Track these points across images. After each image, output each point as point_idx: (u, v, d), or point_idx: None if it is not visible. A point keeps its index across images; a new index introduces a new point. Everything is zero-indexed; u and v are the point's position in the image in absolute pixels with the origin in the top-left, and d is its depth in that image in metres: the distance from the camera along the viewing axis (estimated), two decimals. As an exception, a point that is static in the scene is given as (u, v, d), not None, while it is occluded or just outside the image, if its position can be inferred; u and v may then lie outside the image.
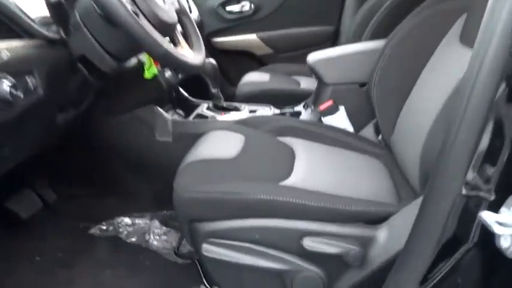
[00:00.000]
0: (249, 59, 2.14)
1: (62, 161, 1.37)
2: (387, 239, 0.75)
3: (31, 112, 0.89)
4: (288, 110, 1.48)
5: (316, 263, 0.79)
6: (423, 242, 0.59)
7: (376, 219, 0.79)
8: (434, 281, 0.60)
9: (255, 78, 1.79)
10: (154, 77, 1.36)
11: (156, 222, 1.41)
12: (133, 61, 1.20)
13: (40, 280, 1.19)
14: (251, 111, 1.49)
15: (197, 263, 0.97)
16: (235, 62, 2.12)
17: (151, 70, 1.33)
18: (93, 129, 1.35)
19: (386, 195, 0.90)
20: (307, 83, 1.71)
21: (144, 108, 1.37)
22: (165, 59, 0.94)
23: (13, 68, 0.81)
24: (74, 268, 1.25)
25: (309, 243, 0.76)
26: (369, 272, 0.76)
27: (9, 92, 0.77)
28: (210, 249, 0.81)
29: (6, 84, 0.77)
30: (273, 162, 0.99)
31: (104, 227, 1.42)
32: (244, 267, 0.80)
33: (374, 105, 1.16)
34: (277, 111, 1.48)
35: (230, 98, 1.64)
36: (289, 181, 0.89)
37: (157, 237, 1.36)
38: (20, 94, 0.80)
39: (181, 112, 1.60)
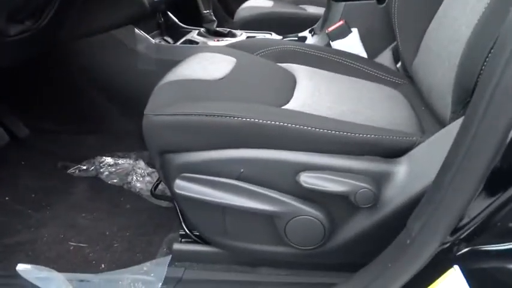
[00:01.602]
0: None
1: (31, 91, 1.21)
2: (407, 175, 0.58)
3: None
4: (291, 37, 1.27)
5: (316, 205, 0.62)
6: (464, 172, 0.42)
7: (394, 152, 0.62)
8: (473, 227, 0.44)
9: (256, 3, 1.57)
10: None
11: (141, 163, 1.26)
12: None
13: (8, 222, 1.07)
14: (249, 38, 1.28)
15: (175, 204, 0.82)
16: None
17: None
18: (61, 51, 1.16)
19: (407, 126, 0.72)
20: (314, 9, 1.48)
21: (122, 29, 1.18)
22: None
23: None
24: (47, 210, 1.12)
25: (306, 179, 0.60)
26: (381, 217, 0.60)
27: None
28: (183, 186, 0.65)
29: None
30: (269, 86, 0.81)
31: (84, 167, 1.28)
32: (226, 208, 0.65)
33: (394, 25, 0.96)
34: (279, 37, 1.28)
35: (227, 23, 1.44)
36: (288, 106, 0.72)
37: (140, 179, 1.22)
38: None
39: (169, 40, 1.40)
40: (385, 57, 1.03)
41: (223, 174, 0.64)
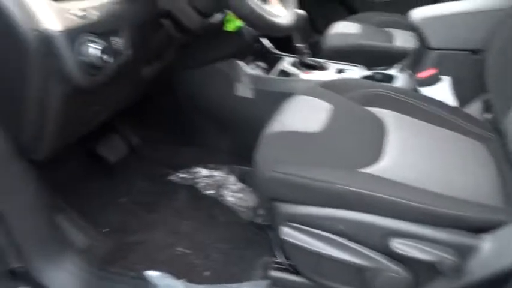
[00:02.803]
0: (337, 6, 1.95)
1: (146, 109, 1.40)
2: (493, 252, 0.66)
3: (120, 72, 0.88)
4: (379, 71, 1.34)
5: (403, 265, 0.73)
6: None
7: (478, 228, 0.70)
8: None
9: (343, 29, 1.63)
10: (238, 29, 1.29)
11: (232, 178, 1.42)
12: (218, 15, 1.13)
13: (128, 222, 1.27)
14: (338, 71, 1.37)
15: (272, 235, 0.96)
16: (323, 8, 1.95)
17: (235, 23, 1.26)
18: (175, 80, 1.34)
19: (491, 193, 0.79)
20: (402, 39, 1.52)
21: (225, 62, 1.33)
22: (250, 20, 0.87)
23: (101, 29, 0.79)
24: (155, 213, 1.31)
25: (398, 245, 0.70)
26: (463, 284, 0.69)
27: (100, 57, 0.76)
28: (289, 233, 0.79)
29: (95, 49, 0.75)
30: (361, 140, 0.91)
31: (183, 175, 1.47)
32: (324, 256, 0.77)
33: (488, 77, 0.99)
34: (367, 72, 1.35)
35: (314, 47, 1.52)
36: (379, 167, 0.82)
37: (233, 194, 1.37)
38: (110, 58, 0.79)
39: (262, 64, 1.52)
40: (474, 108, 1.07)
41: (324, 228, 0.76)
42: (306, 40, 1.37)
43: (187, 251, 1.18)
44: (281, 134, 0.91)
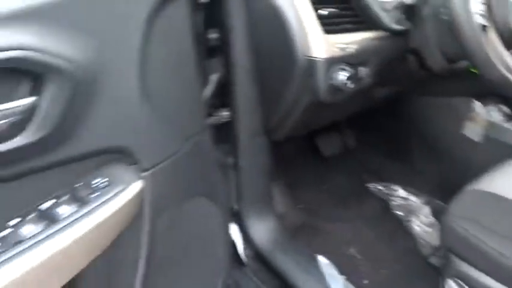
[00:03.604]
0: None
1: (368, 117, 1.54)
2: None
3: (356, 92, 1.04)
4: None
5: None
6: None
7: None
8: None
9: None
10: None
11: (427, 209, 1.44)
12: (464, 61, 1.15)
13: (318, 205, 1.48)
14: None
15: (440, 281, 0.99)
16: None
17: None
18: (403, 99, 1.42)
19: None
20: None
21: (461, 98, 1.32)
22: (496, 85, 0.88)
23: (353, 60, 0.96)
24: (344, 209, 1.48)
25: None
26: None
27: (345, 83, 0.93)
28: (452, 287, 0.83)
29: (343, 75, 0.94)
30: None
31: (380, 187, 1.57)
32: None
33: None
34: None
35: None
36: None
37: (421, 224, 1.40)
38: (352, 84, 0.96)
39: (505, 109, 1.43)
40: None
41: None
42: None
43: (358, 256, 1.31)
44: (488, 193, 0.91)
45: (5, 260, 0.50)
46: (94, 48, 0.60)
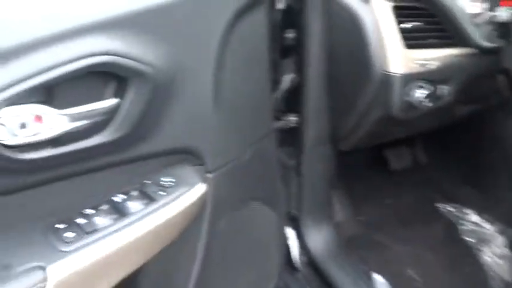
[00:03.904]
0: None
1: (443, 134, 1.45)
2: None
3: (434, 109, 0.98)
4: None
5: None
6: None
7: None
8: None
9: None
10: None
11: (501, 239, 1.33)
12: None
13: (380, 219, 1.43)
14: None
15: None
16: None
17: None
18: (487, 117, 1.32)
19: None
20: None
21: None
22: None
23: (433, 77, 0.90)
24: (408, 227, 1.41)
25: None
26: None
27: (421, 101, 0.89)
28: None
29: (420, 93, 0.89)
30: None
31: (450, 209, 1.47)
32: None
33: None
34: None
35: None
36: None
37: (493, 255, 1.30)
38: (429, 103, 0.90)
39: None
40: None
41: None
42: None
43: (417, 279, 1.25)
44: None
45: (78, 247, 0.55)
46: (174, 52, 0.63)
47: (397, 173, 1.57)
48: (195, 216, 0.72)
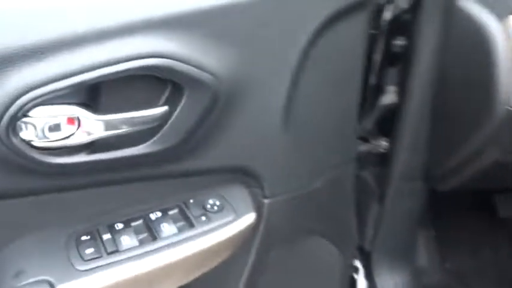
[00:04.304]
0: None
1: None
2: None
3: None
4: None
5: None
6: None
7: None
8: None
9: None
10: None
11: None
12: None
13: (472, 269, 1.22)
14: None
15: None
16: None
17: None
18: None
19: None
20: None
21: None
22: None
23: None
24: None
25: None
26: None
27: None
28: None
29: None
30: None
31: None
32: None
33: None
34: None
35: None
36: None
37: None
38: None
39: None
40: None
41: None
42: None
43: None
44: None
45: (94, 268, 0.49)
46: (243, 61, 0.54)
47: (503, 221, 1.31)
48: (239, 246, 0.63)
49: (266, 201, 0.66)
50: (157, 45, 0.47)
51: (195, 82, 0.50)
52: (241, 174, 0.63)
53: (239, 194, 0.63)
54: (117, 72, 0.46)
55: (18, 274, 0.48)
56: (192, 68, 0.49)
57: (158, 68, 0.48)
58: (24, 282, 0.47)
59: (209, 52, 0.51)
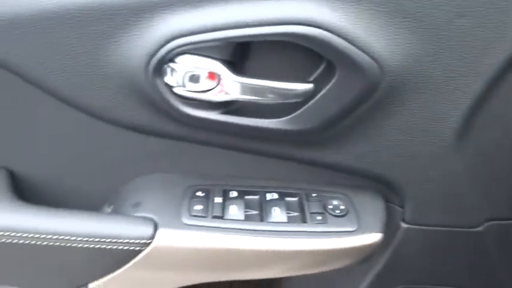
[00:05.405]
0: None
1: None
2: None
3: None
4: None
5: None
6: None
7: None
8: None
9: None
10: None
11: None
12: None
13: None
14: None
15: None
16: None
17: None
18: None
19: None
20: None
21: None
22: None
23: None
24: None
25: None
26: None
27: None
28: None
29: None
30: None
31: None
32: None
33: None
34: None
35: None
36: None
37: None
38: None
39: None
40: None
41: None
42: None
43: None
44: None
45: (195, 226, 0.48)
46: (420, 54, 0.43)
47: None
48: (351, 263, 0.54)
49: (404, 225, 0.55)
50: (310, 12, 0.41)
51: (350, 63, 0.43)
52: (382, 184, 0.53)
53: (372, 206, 0.54)
54: (263, 35, 0.42)
55: (135, 205, 0.51)
56: (349, 46, 0.42)
57: (307, 38, 0.42)
58: (136, 214, 0.50)
59: (376, 32, 0.42)
